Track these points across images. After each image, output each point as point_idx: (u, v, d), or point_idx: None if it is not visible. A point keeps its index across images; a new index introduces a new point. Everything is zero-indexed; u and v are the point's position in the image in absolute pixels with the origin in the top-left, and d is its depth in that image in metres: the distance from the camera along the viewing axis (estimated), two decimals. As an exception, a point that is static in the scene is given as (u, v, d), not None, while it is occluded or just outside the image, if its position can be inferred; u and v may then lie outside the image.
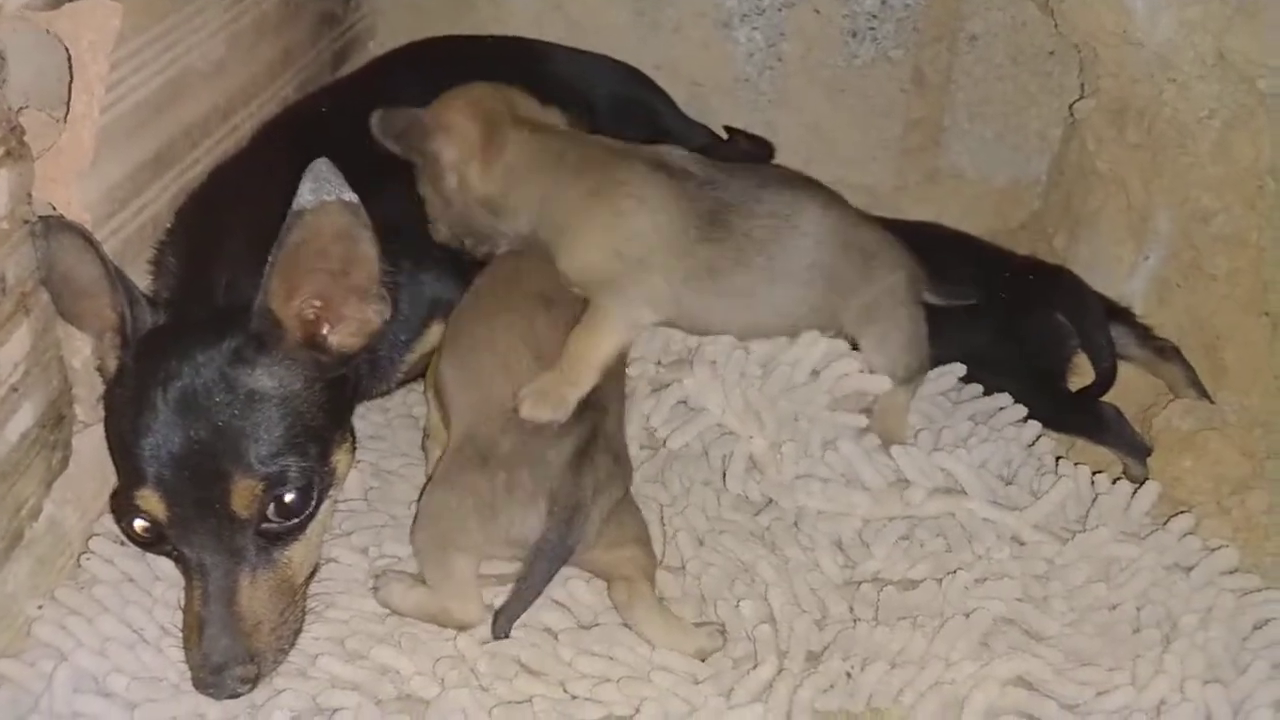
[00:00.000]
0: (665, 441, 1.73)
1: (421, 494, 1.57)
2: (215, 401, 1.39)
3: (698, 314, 1.71)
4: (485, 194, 1.68)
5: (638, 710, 1.38)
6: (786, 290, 1.71)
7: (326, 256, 1.41)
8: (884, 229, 1.80)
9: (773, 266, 1.68)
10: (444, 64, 2.16)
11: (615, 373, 1.62)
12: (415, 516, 1.53)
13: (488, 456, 1.47)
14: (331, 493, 1.50)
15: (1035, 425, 1.81)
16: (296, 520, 1.43)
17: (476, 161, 1.67)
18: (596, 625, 1.51)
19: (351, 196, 1.38)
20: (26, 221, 1.44)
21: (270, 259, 1.37)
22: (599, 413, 1.53)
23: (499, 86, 1.75)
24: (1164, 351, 2.00)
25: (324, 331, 1.48)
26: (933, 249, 2.15)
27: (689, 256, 1.64)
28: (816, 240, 1.69)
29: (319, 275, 1.43)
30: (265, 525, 1.41)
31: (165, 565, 1.52)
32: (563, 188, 1.66)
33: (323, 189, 1.35)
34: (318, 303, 1.46)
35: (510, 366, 1.55)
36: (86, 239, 1.44)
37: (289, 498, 1.41)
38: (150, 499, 1.38)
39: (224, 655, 1.37)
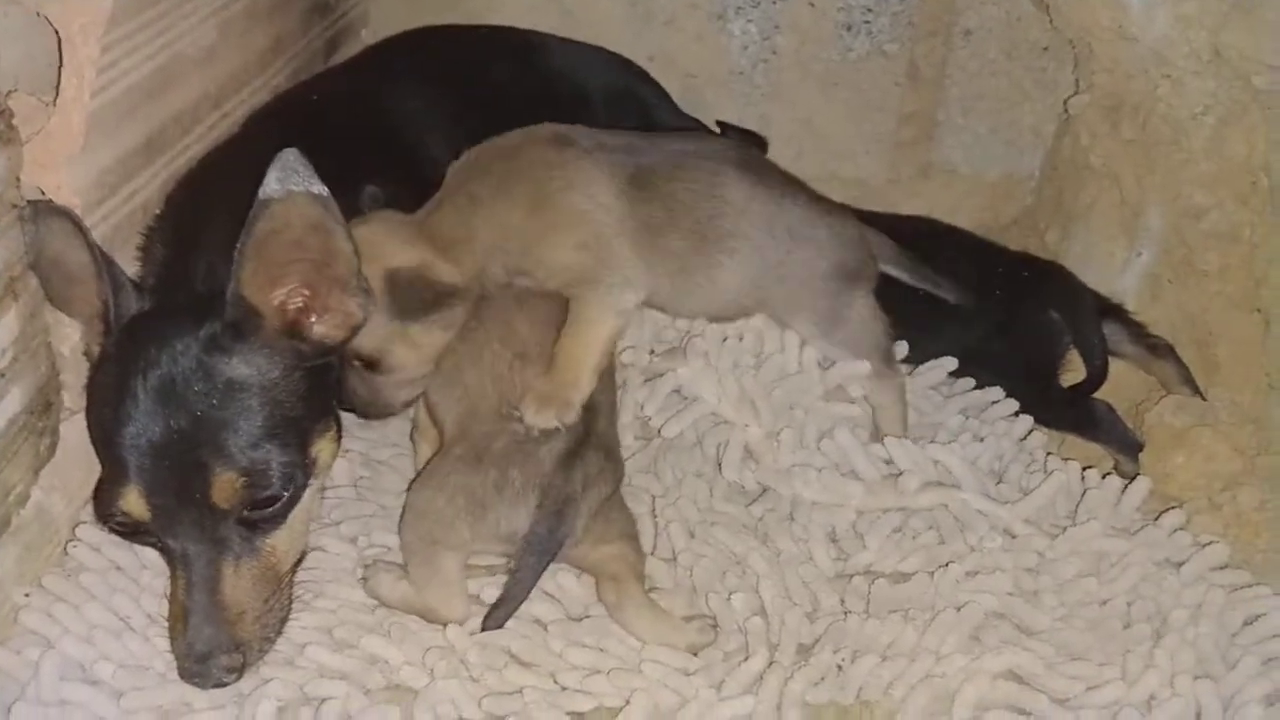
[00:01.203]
0: (659, 430, 1.73)
1: (410, 487, 1.56)
2: (193, 390, 1.37)
3: (664, 289, 1.66)
4: (474, 273, 1.60)
5: (628, 702, 1.38)
6: (716, 258, 1.65)
7: (304, 247, 1.39)
8: (825, 205, 1.75)
9: (701, 231, 1.63)
10: (437, 53, 2.15)
11: (605, 369, 1.61)
12: (403, 512, 1.53)
13: (481, 455, 1.47)
14: (314, 481, 1.48)
15: (1027, 420, 1.81)
16: (277, 509, 1.42)
17: (453, 268, 1.58)
18: (587, 617, 1.51)
19: (321, 189, 1.34)
20: (15, 206, 1.43)
21: (238, 246, 1.35)
22: (590, 412, 1.52)
23: (370, 220, 1.61)
24: (1156, 349, 2.00)
25: (309, 321, 1.46)
26: (925, 244, 2.16)
27: (633, 218, 1.61)
28: (738, 209, 1.64)
29: (302, 265, 1.41)
30: (246, 514, 1.40)
31: (152, 554, 1.51)
32: (499, 219, 1.59)
33: (290, 179, 1.32)
34: (306, 292, 1.44)
35: (497, 374, 1.54)
36: (76, 224, 1.43)
37: (268, 488, 1.40)
38: (130, 491, 1.37)
39: (209, 644, 1.36)
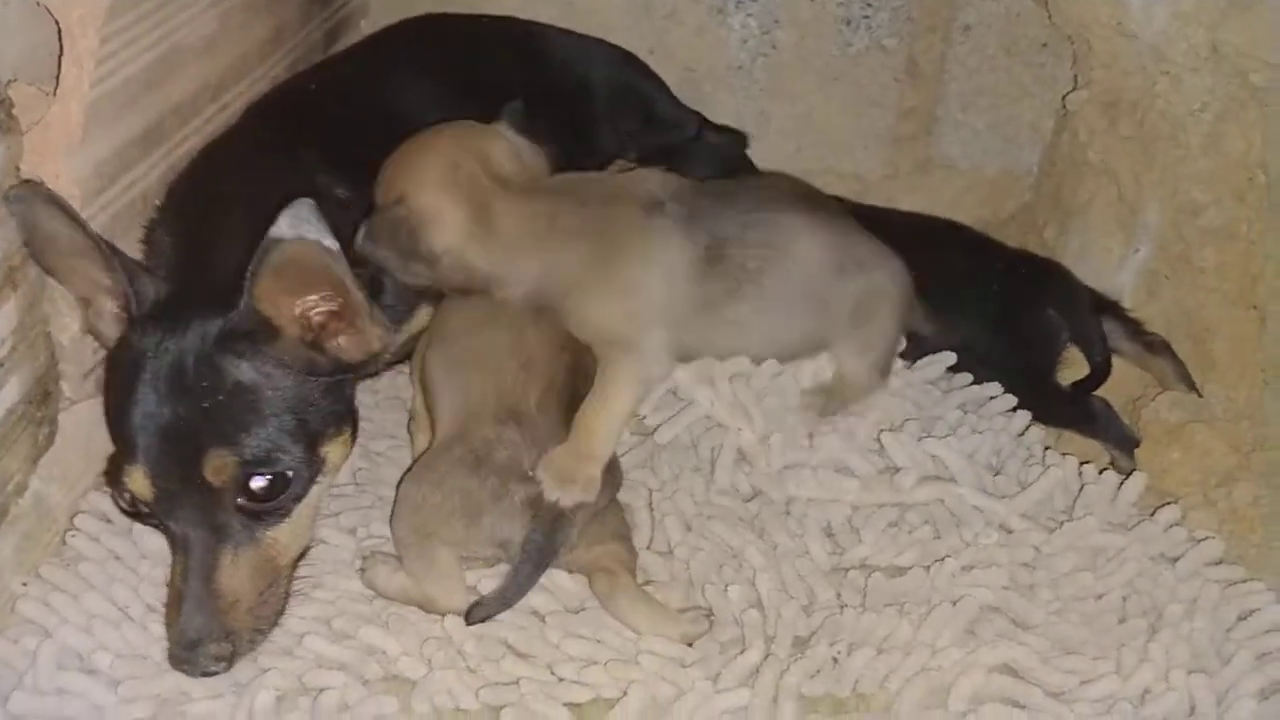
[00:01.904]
0: (654, 432, 1.73)
1: (402, 480, 1.56)
2: (202, 385, 1.40)
3: (692, 346, 1.67)
4: (486, 273, 1.58)
5: (625, 693, 1.38)
6: (777, 317, 1.66)
7: (315, 283, 1.42)
8: (870, 234, 1.74)
9: (764, 295, 1.63)
10: (437, 43, 2.15)
11: None
12: (395, 506, 1.53)
13: (482, 461, 1.47)
14: (322, 479, 1.50)
15: (1025, 415, 1.81)
16: (281, 501, 1.43)
17: (473, 245, 1.56)
18: (584, 609, 1.51)
19: (332, 243, 1.36)
20: (14, 194, 1.43)
21: (250, 269, 1.36)
22: None
23: (462, 137, 1.62)
24: (1153, 346, 2.00)
25: (332, 335, 1.47)
26: (924, 240, 2.16)
27: (689, 298, 1.60)
28: (809, 267, 1.64)
29: (325, 284, 1.43)
30: (245, 503, 1.41)
31: (151, 543, 1.52)
32: (563, 255, 1.58)
33: (301, 228, 1.34)
34: (333, 305, 1.45)
35: (501, 381, 1.53)
36: (64, 207, 1.43)
37: (267, 478, 1.41)
38: (136, 470, 1.39)
39: (199, 632, 1.37)
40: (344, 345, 1.48)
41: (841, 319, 1.68)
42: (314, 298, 1.44)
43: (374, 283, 1.56)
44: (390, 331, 1.51)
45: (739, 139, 2.36)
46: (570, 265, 1.57)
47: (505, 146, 1.64)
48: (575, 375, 1.57)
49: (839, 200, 2.27)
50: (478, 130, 1.65)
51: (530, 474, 1.46)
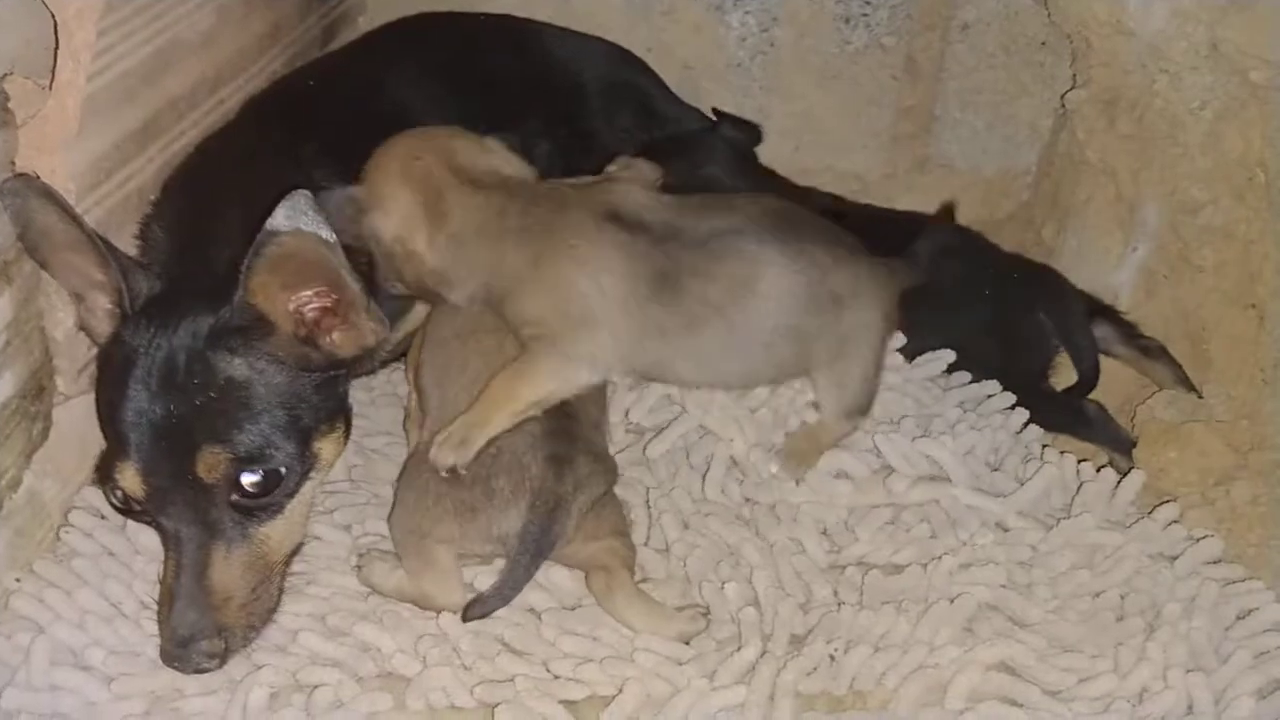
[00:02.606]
0: (645, 450, 1.73)
1: (399, 478, 1.56)
2: (194, 382, 1.39)
3: (653, 370, 1.62)
4: (432, 266, 1.56)
5: (621, 690, 1.38)
6: (746, 353, 1.58)
7: (312, 277, 1.41)
8: (860, 254, 1.62)
9: (731, 331, 1.54)
10: (434, 40, 2.15)
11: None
12: (393, 505, 1.53)
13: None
14: (315, 475, 1.49)
15: (1022, 412, 1.81)
16: (273, 497, 1.43)
17: (421, 235, 1.55)
18: (580, 606, 1.51)
19: (330, 235, 1.36)
20: (9, 189, 1.42)
21: (245, 264, 1.36)
22: (570, 419, 1.52)
23: (433, 135, 1.61)
24: (1150, 350, 2.00)
25: (326, 330, 1.47)
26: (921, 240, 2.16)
27: (638, 316, 1.52)
28: (779, 303, 1.55)
29: (320, 279, 1.43)
30: (238, 500, 1.41)
31: (145, 539, 1.51)
32: (506, 254, 1.54)
33: (299, 219, 1.33)
34: (335, 296, 1.45)
35: (476, 389, 1.52)
36: (58, 200, 1.42)
37: (259, 475, 1.41)
38: (128, 467, 1.39)
39: (190, 629, 1.36)
40: (338, 340, 1.48)
41: (817, 354, 1.60)
42: (308, 293, 1.43)
43: (369, 279, 1.56)
44: (385, 326, 1.50)
45: (754, 132, 2.36)
46: (512, 263, 1.54)
47: (474, 146, 1.61)
48: None
49: (836, 200, 2.29)
50: (450, 130, 1.64)
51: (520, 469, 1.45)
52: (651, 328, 1.53)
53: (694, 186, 2.14)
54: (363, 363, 1.61)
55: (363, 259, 1.53)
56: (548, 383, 1.50)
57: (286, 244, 1.34)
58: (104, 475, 1.44)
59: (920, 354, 1.87)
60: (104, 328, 1.50)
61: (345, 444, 1.56)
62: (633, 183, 1.64)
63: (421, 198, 1.54)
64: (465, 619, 1.44)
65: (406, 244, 1.55)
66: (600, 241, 1.53)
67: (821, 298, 1.56)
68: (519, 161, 1.64)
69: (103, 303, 1.49)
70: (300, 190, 1.33)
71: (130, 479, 1.39)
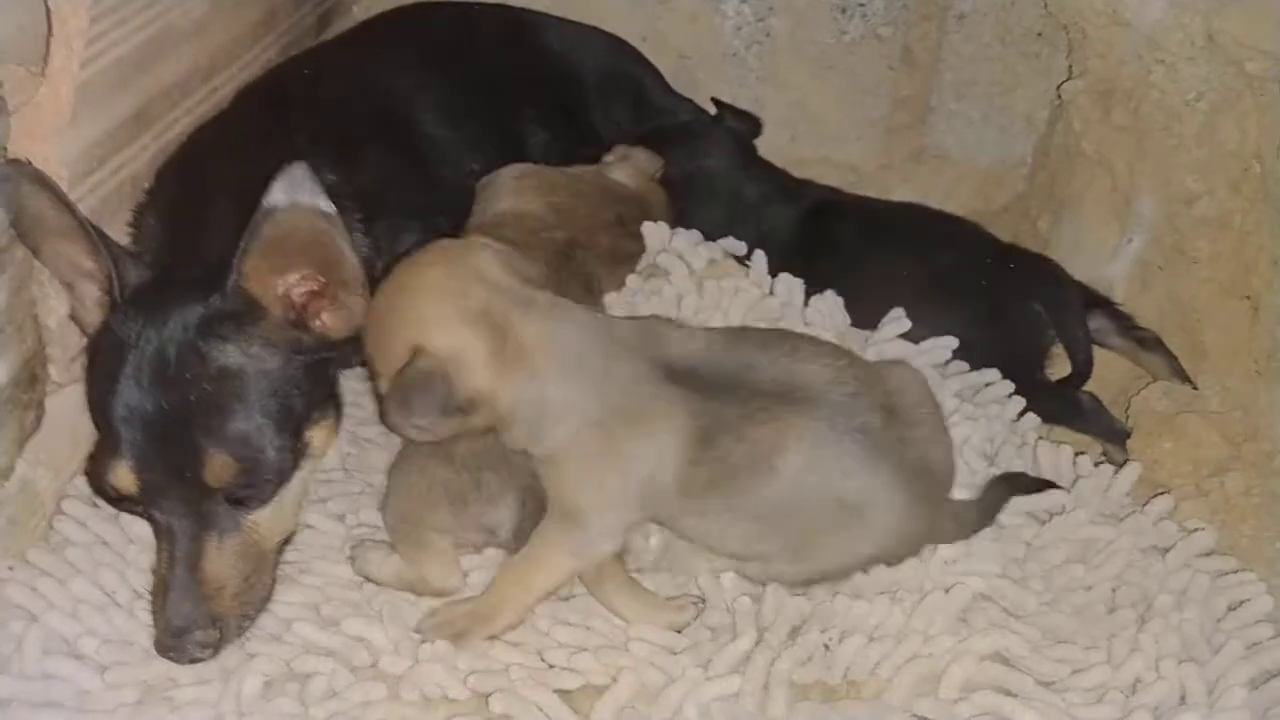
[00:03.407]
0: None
1: (392, 468, 1.56)
2: (187, 373, 1.38)
3: (662, 520, 1.47)
4: (507, 407, 1.34)
5: (615, 680, 1.38)
6: (749, 527, 1.43)
7: (308, 253, 1.40)
8: (940, 495, 1.49)
9: (739, 496, 1.39)
10: (430, 29, 2.14)
11: None
12: (386, 492, 1.52)
13: (451, 457, 1.45)
14: (306, 464, 1.49)
15: (1019, 402, 1.81)
16: (266, 489, 1.42)
17: (497, 378, 1.32)
18: (573, 595, 1.51)
19: (328, 206, 1.35)
20: (3, 178, 1.42)
21: (242, 245, 1.35)
22: None
23: (458, 258, 1.38)
24: (1145, 341, 2.00)
25: (316, 312, 1.46)
26: (914, 231, 2.16)
27: (671, 483, 1.38)
28: (788, 481, 1.38)
29: (310, 259, 1.42)
30: (230, 491, 1.40)
31: (139, 529, 1.51)
32: (575, 402, 1.35)
33: (297, 192, 1.33)
34: (321, 279, 1.44)
35: None
36: (53, 187, 1.42)
37: (259, 470, 1.40)
38: (120, 465, 1.38)
39: (185, 619, 1.36)
40: (328, 322, 1.47)
41: (796, 540, 1.45)
42: (295, 276, 1.42)
43: (368, 263, 1.55)
44: None
45: (753, 123, 2.36)
46: (581, 409, 1.35)
47: (493, 256, 1.40)
48: None
49: (834, 192, 2.28)
50: (463, 248, 1.45)
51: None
52: (682, 492, 1.38)
53: (693, 177, 2.15)
54: (358, 346, 1.61)
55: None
56: (562, 568, 1.39)
57: (284, 221, 1.33)
58: (95, 469, 1.43)
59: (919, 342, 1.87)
60: (94, 318, 1.49)
61: (337, 432, 1.56)
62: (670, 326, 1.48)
63: (491, 336, 1.31)
64: None
65: (490, 395, 1.32)
66: (663, 402, 1.36)
67: (827, 498, 1.40)
68: (517, 254, 1.46)
69: (93, 292, 1.48)
70: (298, 162, 1.32)
71: (123, 476, 1.38)
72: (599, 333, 1.40)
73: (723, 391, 1.38)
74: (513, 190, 1.80)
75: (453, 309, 1.30)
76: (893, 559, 1.48)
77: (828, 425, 1.38)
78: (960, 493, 1.62)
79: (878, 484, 1.40)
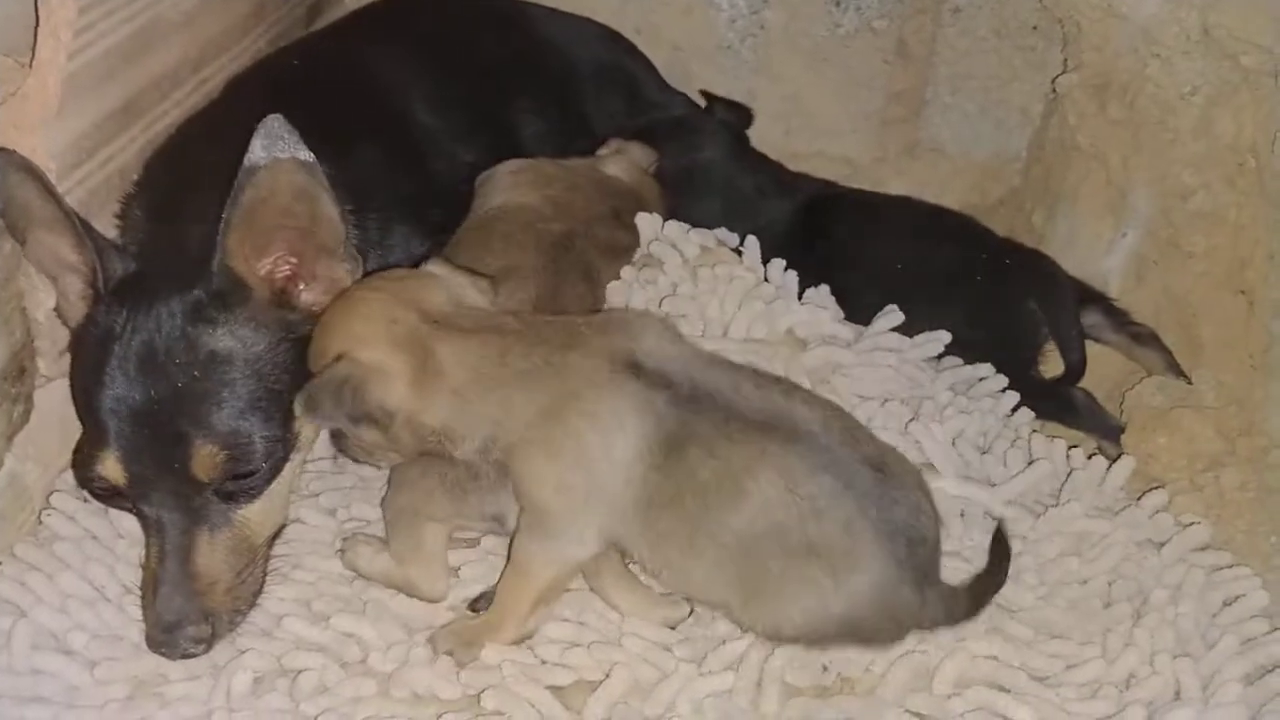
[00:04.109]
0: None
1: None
2: (175, 361, 1.37)
3: (621, 541, 1.40)
4: (435, 426, 1.38)
5: (608, 675, 1.37)
6: (702, 560, 1.34)
7: (291, 214, 1.39)
8: (932, 576, 1.37)
9: (705, 519, 1.31)
10: (422, 20, 2.12)
11: None
12: (388, 484, 1.52)
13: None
14: (295, 455, 1.48)
15: (1013, 396, 1.80)
16: (255, 481, 1.41)
17: (420, 397, 1.36)
18: (566, 590, 1.50)
19: (307, 155, 1.34)
20: (-11, 168, 1.41)
21: (225, 216, 1.35)
22: None
23: (396, 285, 1.44)
24: (1140, 337, 2.00)
25: (297, 289, 1.45)
26: (909, 225, 2.15)
27: (638, 485, 1.33)
28: (757, 508, 1.30)
29: (288, 232, 1.41)
30: (224, 486, 1.39)
31: (128, 523, 1.50)
32: (513, 403, 1.35)
33: (276, 146, 1.32)
34: (293, 259, 1.43)
35: None
36: (41, 177, 1.41)
37: (250, 462, 1.39)
38: (108, 457, 1.37)
39: (177, 615, 1.35)
40: (313, 297, 1.46)
41: (762, 590, 1.34)
42: (278, 255, 1.41)
43: (359, 254, 1.54)
44: (358, 264, 1.47)
45: (744, 115, 2.35)
46: (520, 414, 1.35)
47: (439, 287, 1.43)
48: None
49: (828, 185, 2.27)
50: (407, 276, 1.49)
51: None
52: (645, 502, 1.33)
53: (687, 171, 2.15)
54: None
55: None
56: (545, 572, 1.39)
57: (264, 183, 1.33)
58: (82, 463, 1.42)
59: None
60: (77, 311, 1.47)
61: None
62: (647, 318, 1.47)
63: (412, 358, 1.35)
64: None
65: (410, 412, 1.36)
66: (614, 389, 1.34)
67: (792, 540, 1.30)
68: (474, 282, 1.47)
69: (76, 285, 1.47)
70: (273, 114, 1.32)
71: (111, 468, 1.37)
72: (525, 340, 1.39)
73: (697, 403, 1.33)
74: (509, 184, 1.80)
75: (383, 330, 1.36)
76: (870, 635, 1.36)
77: (807, 462, 1.31)
78: (955, 483, 1.62)
79: (855, 537, 1.30)
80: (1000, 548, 1.42)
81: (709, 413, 1.33)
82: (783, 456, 1.30)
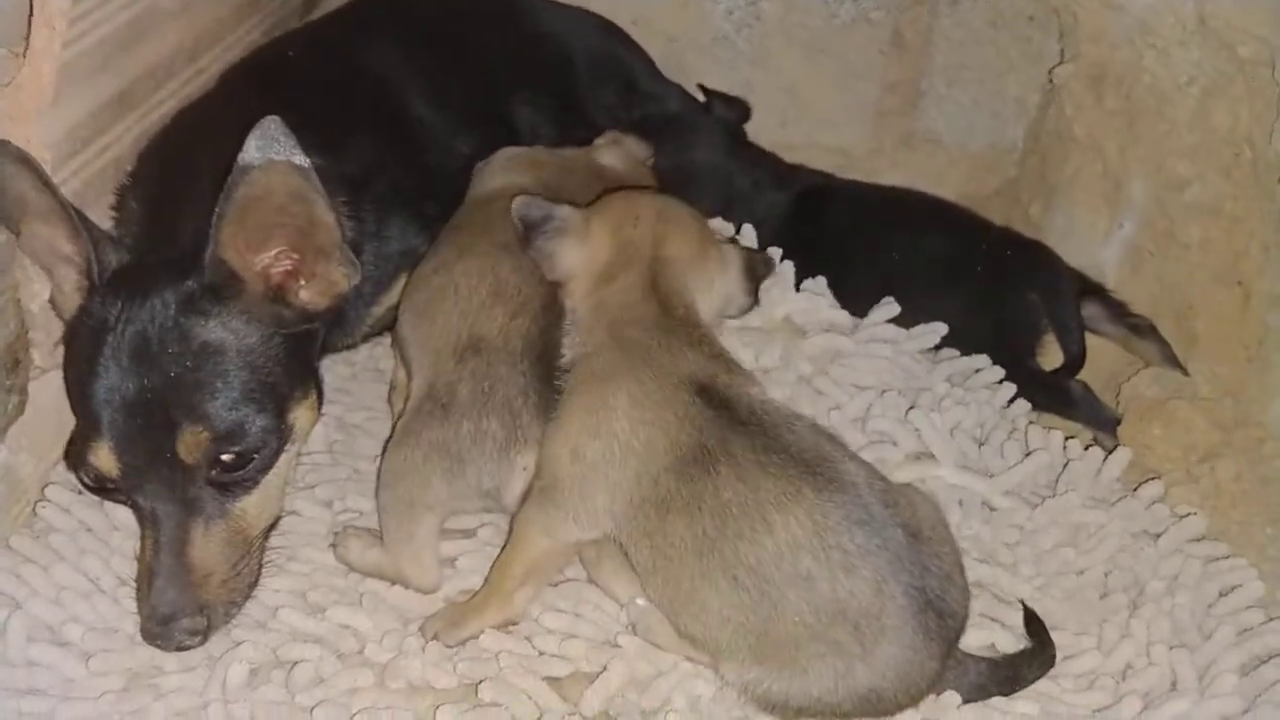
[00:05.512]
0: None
1: (384, 451, 1.54)
2: (168, 351, 1.37)
3: (630, 552, 1.37)
4: (570, 309, 1.49)
5: (605, 667, 1.37)
6: (711, 588, 1.28)
7: (288, 212, 1.38)
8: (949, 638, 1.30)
9: (716, 539, 1.27)
10: (417, 11, 2.12)
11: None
12: (379, 475, 1.51)
13: (448, 406, 1.44)
14: (290, 447, 1.47)
15: (1010, 387, 1.80)
16: (249, 472, 1.41)
17: (579, 279, 1.48)
18: (563, 582, 1.50)
19: (303, 160, 1.33)
20: (-16, 157, 1.40)
21: (217, 211, 1.34)
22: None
23: (672, 211, 1.55)
24: (1138, 329, 2.00)
25: (295, 286, 1.45)
26: (909, 217, 2.15)
27: (646, 484, 1.32)
28: (779, 547, 1.25)
29: (288, 229, 1.40)
30: (217, 476, 1.39)
31: (123, 515, 1.50)
32: (599, 355, 1.41)
33: (271, 148, 1.31)
34: (295, 255, 1.43)
35: (467, 306, 1.50)
36: (37, 168, 1.40)
37: (239, 450, 1.39)
38: (101, 446, 1.36)
39: (172, 607, 1.35)
40: (309, 296, 1.45)
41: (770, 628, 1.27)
42: (274, 252, 1.41)
43: (355, 247, 1.53)
44: (356, 269, 1.47)
45: (742, 109, 2.34)
46: (590, 365, 1.41)
47: (691, 241, 1.54)
48: (553, 311, 1.52)
49: (825, 177, 2.27)
50: (702, 228, 1.60)
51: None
52: (654, 499, 1.31)
53: (684, 168, 2.14)
54: (341, 323, 1.59)
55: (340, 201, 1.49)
56: (539, 541, 1.39)
57: (259, 181, 1.32)
58: (75, 455, 1.41)
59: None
60: (71, 303, 1.47)
61: (319, 413, 1.54)
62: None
63: (610, 259, 1.48)
64: None
65: (569, 281, 1.49)
66: (661, 390, 1.35)
67: (816, 590, 1.24)
68: (746, 288, 1.56)
69: (71, 276, 1.47)
70: (271, 116, 1.30)
71: (104, 458, 1.36)
72: (660, 329, 1.43)
73: (745, 427, 1.31)
74: (504, 169, 1.79)
75: (616, 218, 1.52)
76: (885, 709, 1.28)
77: (843, 512, 1.26)
78: (953, 472, 1.61)
79: (886, 600, 1.24)
80: (1038, 626, 1.42)
81: (755, 439, 1.31)
82: (818, 502, 1.26)
